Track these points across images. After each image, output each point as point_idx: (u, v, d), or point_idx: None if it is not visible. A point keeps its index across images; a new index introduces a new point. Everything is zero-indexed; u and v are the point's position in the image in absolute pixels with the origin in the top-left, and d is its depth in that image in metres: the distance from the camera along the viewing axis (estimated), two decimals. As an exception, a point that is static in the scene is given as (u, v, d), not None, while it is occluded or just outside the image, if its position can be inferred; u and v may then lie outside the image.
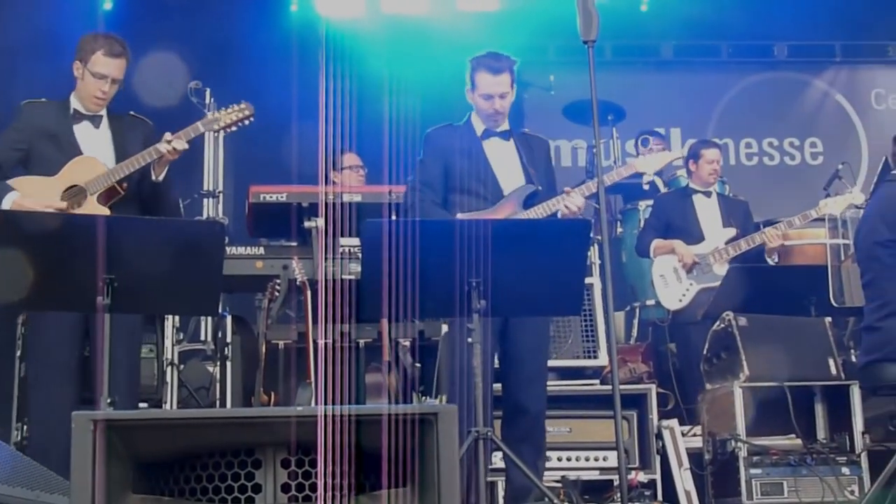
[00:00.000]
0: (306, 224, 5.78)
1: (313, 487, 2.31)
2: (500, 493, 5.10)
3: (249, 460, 2.34)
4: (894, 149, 4.95)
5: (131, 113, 5.23)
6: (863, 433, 5.21)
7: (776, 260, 6.88)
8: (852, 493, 5.06)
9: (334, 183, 6.43)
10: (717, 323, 5.50)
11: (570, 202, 4.83)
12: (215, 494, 2.37)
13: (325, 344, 5.53)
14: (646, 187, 5.91)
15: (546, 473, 5.00)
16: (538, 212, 4.85)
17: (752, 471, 5.09)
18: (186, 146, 5.01)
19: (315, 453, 2.26)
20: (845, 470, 5.13)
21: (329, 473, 2.25)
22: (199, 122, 5.16)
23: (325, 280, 5.59)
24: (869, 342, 4.80)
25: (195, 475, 2.41)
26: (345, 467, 2.28)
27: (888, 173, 5.06)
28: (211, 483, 2.39)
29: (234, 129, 5.23)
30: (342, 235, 5.56)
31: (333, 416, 2.30)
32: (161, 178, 4.97)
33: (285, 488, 2.33)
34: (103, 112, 5.07)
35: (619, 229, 7.75)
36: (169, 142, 4.90)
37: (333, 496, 2.24)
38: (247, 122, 5.23)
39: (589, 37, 4.17)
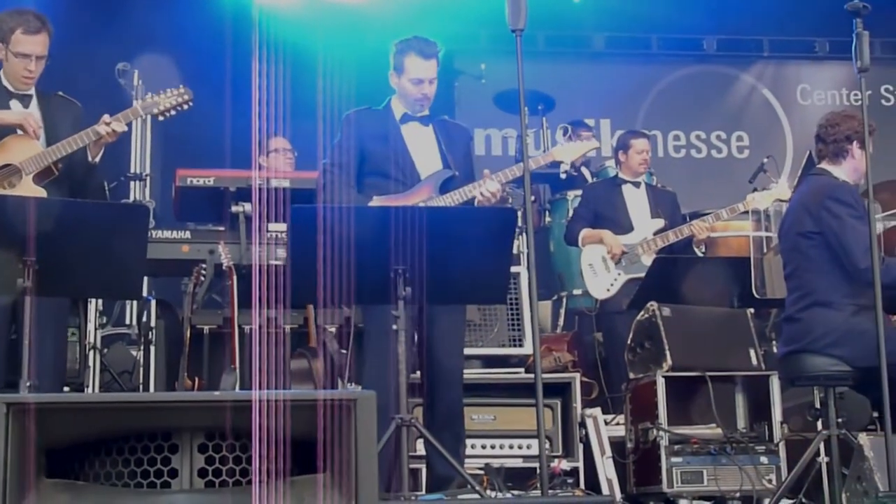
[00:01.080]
0: (234, 209, 5.75)
1: (231, 472, 2.30)
2: (424, 480, 5.11)
3: (166, 445, 2.32)
4: (819, 146, 5.03)
5: (60, 93, 5.16)
6: (781, 423, 5.30)
7: (703, 251, 6.97)
8: (770, 481, 5.14)
9: (263, 167, 6.38)
10: (642, 313, 5.54)
11: (486, 188, 4.84)
12: (131, 479, 2.35)
13: (251, 329, 5.51)
14: (563, 176, 5.93)
15: (469, 461, 5.01)
16: (454, 198, 4.85)
17: (673, 459, 5.15)
18: (125, 128, 4.97)
19: (233, 438, 2.26)
20: (764, 459, 5.21)
21: (247, 459, 2.24)
22: (137, 105, 5.12)
23: (253, 265, 5.57)
24: (789, 333, 4.88)
25: (111, 459, 2.38)
26: (263, 453, 2.28)
27: (812, 167, 5.15)
28: (126, 468, 2.37)
29: (172, 113, 5.19)
30: (271, 221, 5.52)
31: (252, 401, 2.29)
32: (97, 159, 4.93)
33: (202, 473, 2.32)
34: (32, 91, 5.01)
35: (548, 219, 7.78)
36: (108, 123, 4.85)
37: (251, 481, 2.23)
38: (185, 106, 5.19)
39: (517, 25, 4.19)
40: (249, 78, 4.44)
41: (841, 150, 4.90)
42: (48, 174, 4.85)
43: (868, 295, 4.36)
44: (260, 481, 2.17)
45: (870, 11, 4.28)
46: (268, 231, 5.50)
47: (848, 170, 4.91)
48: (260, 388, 3.12)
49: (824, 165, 4.97)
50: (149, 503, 2.23)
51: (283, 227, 5.36)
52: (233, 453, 2.29)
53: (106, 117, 4.85)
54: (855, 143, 4.87)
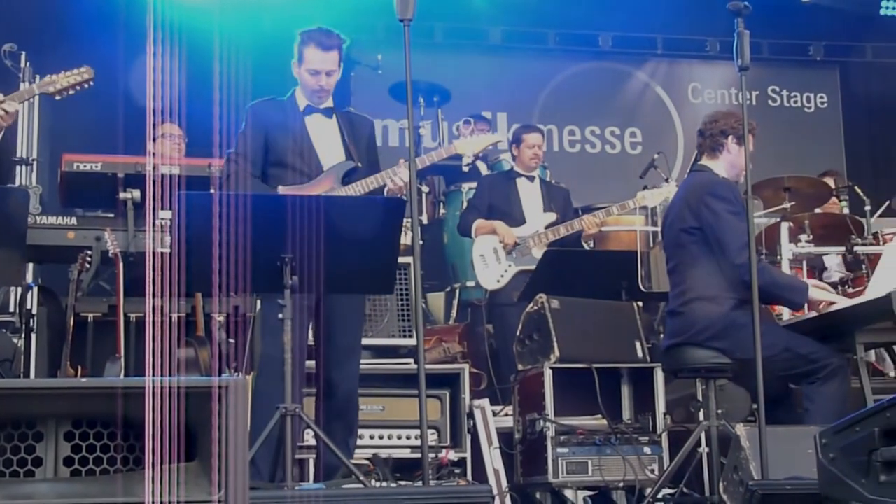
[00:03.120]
0: (122, 195, 5.66)
1: (98, 461, 2.26)
2: (311, 470, 5.10)
3: (31, 433, 2.27)
4: (699, 140, 5.14)
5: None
6: (665, 414, 5.39)
7: (592, 245, 7.06)
8: (653, 471, 5.23)
9: (153, 154, 6.28)
10: (531, 305, 5.60)
11: (399, 177, 4.85)
12: (-7, 468, 2.30)
13: (137, 318, 5.44)
14: (465, 169, 5.97)
15: (358, 451, 5.02)
16: (363, 186, 4.85)
17: (559, 450, 5.20)
18: (19, 107, 4.84)
19: (101, 426, 2.22)
20: (647, 449, 5.30)
21: (116, 447, 2.20)
22: (33, 84, 5.00)
23: (140, 253, 5.49)
24: (672, 326, 4.98)
25: (-28, 447, 2.32)
26: (132, 441, 2.25)
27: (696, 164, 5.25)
28: (-11, 456, 2.31)
29: (70, 92, 5.07)
30: (161, 208, 5.44)
31: (122, 388, 2.26)
32: None
33: (68, 461, 2.27)
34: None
35: (442, 210, 7.81)
36: (1, 102, 4.72)
37: (119, 470, 2.20)
38: (86, 85, 5.07)
39: (406, 15, 4.19)
40: (141, 62, 4.37)
41: (717, 144, 5.01)
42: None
43: (746, 290, 4.46)
44: (128, 469, 2.14)
45: (750, 11, 4.38)
46: (159, 219, 5.43)
47: (725, 165, 5.02)
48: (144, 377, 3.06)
49: (704, 161, 5.08)
50: (11, 493, 2.18)
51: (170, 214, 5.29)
52: (101, 441, 2.25)
53: None
54: (730, 137, 4.98)
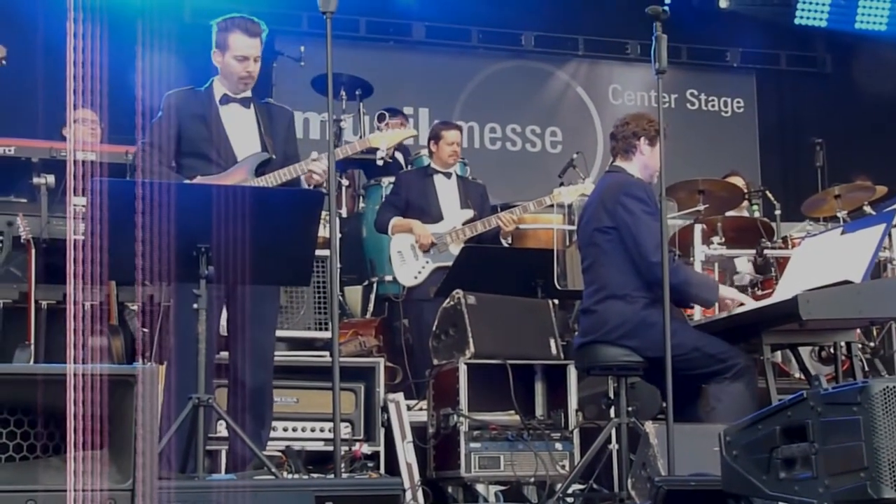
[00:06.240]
0: (36, 180, 5.57)
1: (3, 448, 2.23)
2: (223, 461, 5.07)
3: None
4: (612, 143, 5.21)
5: None
6: (577, 411, 5.46)
7: (510, 242, 7.10)
8: (563, 467, 5.29)
9: (66, 139, 6.19)
10: (447, 300, 5.62)
11: (317, 167, 4.85)
12: None
13: (48, 305, 5.36)
14: (380, 163, 5.97)
15: (271, 443, 5.01)
16: (275, 178, 4.83)
17: (472, 445, 5.24)
18: None
19: (7, 413, 2.20)
20: (558, 445, 5.35)
21: (23, 434, 2.18)
22: None
23: (53, 239, 5.41)
24: (585, 324, 5.04)
25: None
26: (42, 428, 2.23)
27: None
28: None
29: None
30: (77, 194, 5.37)
31: (33, 375, 2.24)
32: None
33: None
34: None
35: (362, 204, 7.80)
36: None
37: (26, 457, 2.18)
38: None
39: (328, 8, 4.20)
40: (58, 45, 4.30)
41: (630, 146, 5.08)
42: None
43: (659, 289, 4.53)
44: (36, 457, 2.12)
45: (668, 16, 4.46)
46: (73, 205, 5.36)
47: (639, 166, 5.10)
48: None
49: (619, 162, 5.15)
50: None
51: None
52: (6, 428, 2.23)
53: None
54: (642, 139, 5.06)
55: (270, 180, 4.82)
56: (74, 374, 2.04)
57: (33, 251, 5.29)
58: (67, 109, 5.43)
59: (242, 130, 4.93)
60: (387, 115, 6.50)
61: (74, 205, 5.18)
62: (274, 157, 4.89)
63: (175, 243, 4.05)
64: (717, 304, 5.18)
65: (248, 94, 4.99)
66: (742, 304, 4.98)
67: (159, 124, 4.86)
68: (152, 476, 2.18)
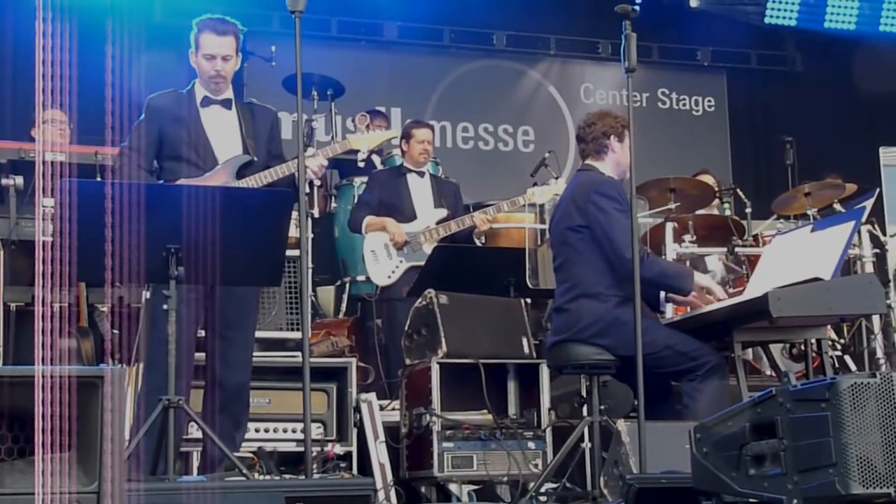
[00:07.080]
0: (4, 181, 5.54)
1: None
2: (195, 463, 5.05)
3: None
4: (581, 146, 5.22)
5: None
6: (549, 410, 5.47)
7: (483, 241, 7.10)
8: (536, 466, 5.30)
9: (35, 140, 6.16)
10: (419, 300, 5.62)
11: (312, 163, 4.85)
12: None
13: (17, 307, 5.33)
14: (361, 164, 5.96)
15: (243, 444, 4.98)
16: (257, 180, 4.83)
17: (445, 444, 5.24)
18: None
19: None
20: (531, 444, 5.36)
21: (2, 437, 2.16)
22: None
23: (22, 241, 5.38)
24: (557, 323, 5.05)
25: None
26: (7, 432, 2.21)
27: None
28: None
29: None
30: (47, 195, 5.33)
31: (10, 377, 2.22)
32: None
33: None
34: None
35: (334, 204, 7.79)
36: None
37: (3, 460, 2.15)
38: None
39: (297, 7, 4.19)
40: (26, 45, 4.27)
41: (601, 146, 5.10)
42: None
43: (632, 287, 4.54)
44: (1, 460, 2.10)
45: (638, 15, 4.48)
46: (43, 206, 5.32)
47: (611, 164, 5.11)
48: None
49: (590, 162, 5.16)
50: None
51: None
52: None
53: None
54: (612, 137, 5.08)
55: (252, 182, 4.81)
56: (42, 376, 2.02)
57: (2, 253, 5.26)
58: (36, 110, 5.43)
59: (223, 132, 4.92)
60: (368, 116, 6.48)
61: (43, 206, 5.15)
62: (255, 158, 4.88)
63: (145, 244, 4.03)
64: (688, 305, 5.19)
65: (230, 95, 4.98)
66: (713, 293, 4.99)
67: (139, 128, 4.85)
68: (119, 478, 2.16)
